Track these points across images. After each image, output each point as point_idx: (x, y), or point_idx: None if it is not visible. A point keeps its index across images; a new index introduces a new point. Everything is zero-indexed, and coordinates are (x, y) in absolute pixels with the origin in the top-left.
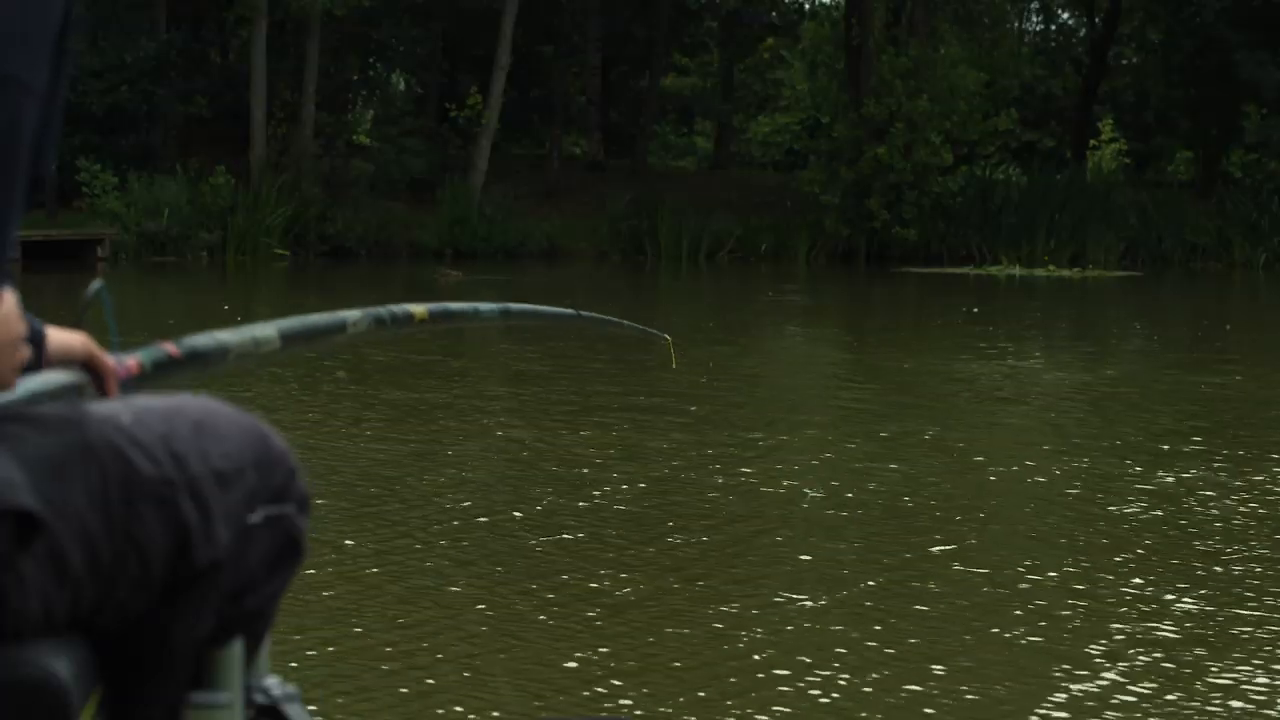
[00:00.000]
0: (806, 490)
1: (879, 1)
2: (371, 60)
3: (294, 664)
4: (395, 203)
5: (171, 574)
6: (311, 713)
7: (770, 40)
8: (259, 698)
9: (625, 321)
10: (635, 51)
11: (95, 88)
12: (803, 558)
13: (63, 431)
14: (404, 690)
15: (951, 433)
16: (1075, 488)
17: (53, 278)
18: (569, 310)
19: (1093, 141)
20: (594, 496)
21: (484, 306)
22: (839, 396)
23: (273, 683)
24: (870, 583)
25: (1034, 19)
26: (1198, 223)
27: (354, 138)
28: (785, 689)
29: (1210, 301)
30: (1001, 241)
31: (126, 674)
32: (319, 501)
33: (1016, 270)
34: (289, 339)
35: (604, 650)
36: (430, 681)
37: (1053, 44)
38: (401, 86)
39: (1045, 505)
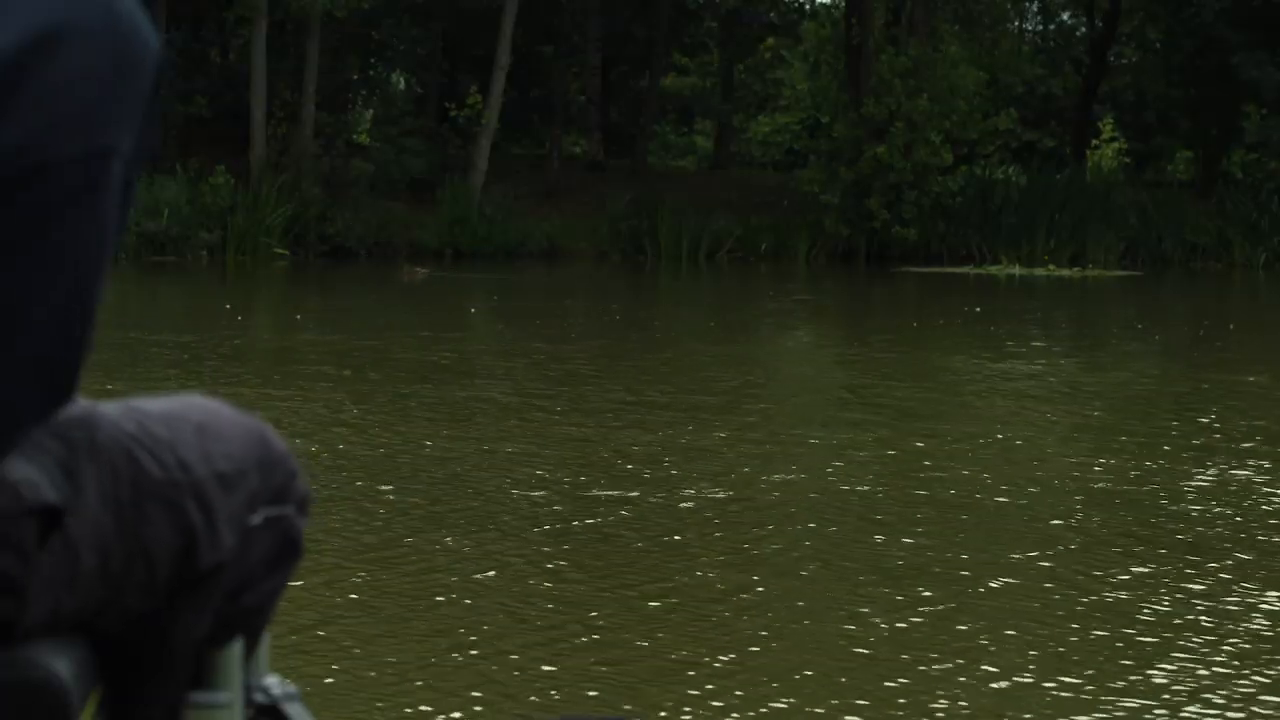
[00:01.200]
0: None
1: (879, 1)
2: (371, 60)
3: (428, 678)
4: (395, 203)
5: (176, 577)
6: None
7: (770, 40)
8: (259, 697)
9: None
10: (635, 51)
11: None
12: (887, 559)
13: (72, 433)
14: (536, 693)
15: (998, 431)
16: (1129, 485)
17: None
18: None
19: (1093, 141)
20: (668, 495)
21: None
22: (877, 396)
23: (273, 682)
24: (966, 584)
25: (1034, 19)
26: (1198, 223)
27: (354, 138)
28: (893, 685)
29: (1212, 301)
30: (1001, 241)
31: (126, 674)
32: (412, 499)
33: (1016, 270)
34: None
35: (735, 652)
36: (555, 689)
37: (1052, 44)
38: (401, 86)
39: (1105, 504)
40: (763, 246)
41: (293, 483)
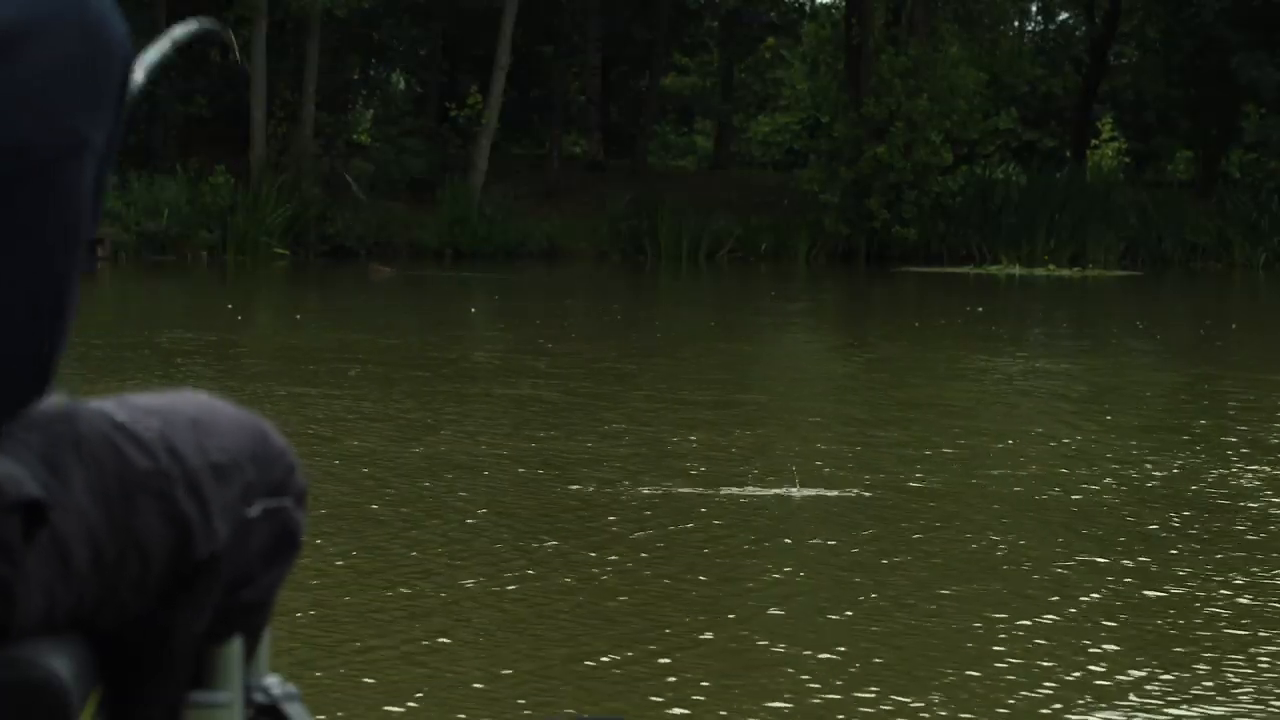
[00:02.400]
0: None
1: (879, 1)
2: (371, 60)
3: (550, 684)
4: (395, 203)
5: (172, 569)
6: None
7: (771, 40)
8: (259, 697)
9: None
10: (635, 51)
11: None
12: (978, 557)
13: (55, 426)
14: (642, 697)
15: (1041, 430)
16: (1184, 483)
17: None
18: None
19: (1093, 141)
20: (734, 494)
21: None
22: (911, 396)
23: (273, 681)
24: (1051, 583)
25: (1034, 19)
26: (1198, 223)
27: (354, 138)
28: (986, 679)
29: (1217, 302)
30: (1001, 241)
31: (126, 673)
32: (506, 499)
33: (1016, 270)
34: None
35: (836, 652)
36: (659, 695)
37: (1052, 44)
38: (401, 86)
39: (1164, 501)
40: (763, 246)
41: (291, 476)
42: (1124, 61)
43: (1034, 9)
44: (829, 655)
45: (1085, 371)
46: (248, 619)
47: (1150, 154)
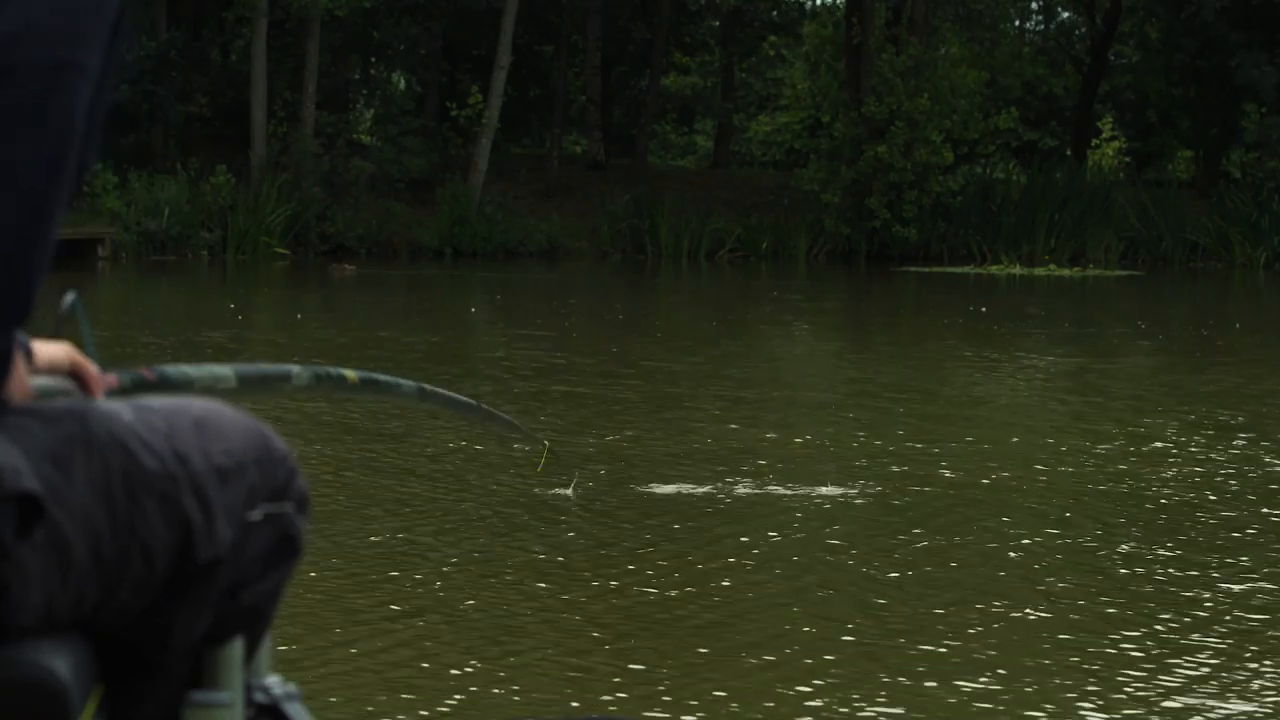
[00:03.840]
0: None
1: (879, 1)
2: (372, 60)
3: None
4: (395, 202)
5: (174, 571)
6: None
7: (771, 39)
8: (259, 696)
9: (517, 424)
10: (635, 51)
11: None
12: (1087, 557)
13: (65, 423)
14: (760, 694)
15: (1102, 428)
16: (1260, 479)
17: (54, 276)
18: (472, 401)
19: (1093, 141)
20: (847, 495)
21: (404, 383)
22: (956, 395)
23: (273, 681)
24: (1141, 581)
25: (1035, 19)
26: (1198, 222)
27: (354, 137)
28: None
29: (1216, 301)
30: (1001, 241)
31: (126, 673)
32: (603, 500)
33: (1017, 269)
34: (244, 381)
35: (1002, 643)
36: (815, 705)
37: (1052, 44)
38: (402, 86)
39: (1267, 501)
40: (763, 246)
41: (293, 481)
42: (1124, 61)
43: (1034, 9)
44: (973, 655)
45: (1117, 369)
46: (248, 621)
47: (1150, 154)
